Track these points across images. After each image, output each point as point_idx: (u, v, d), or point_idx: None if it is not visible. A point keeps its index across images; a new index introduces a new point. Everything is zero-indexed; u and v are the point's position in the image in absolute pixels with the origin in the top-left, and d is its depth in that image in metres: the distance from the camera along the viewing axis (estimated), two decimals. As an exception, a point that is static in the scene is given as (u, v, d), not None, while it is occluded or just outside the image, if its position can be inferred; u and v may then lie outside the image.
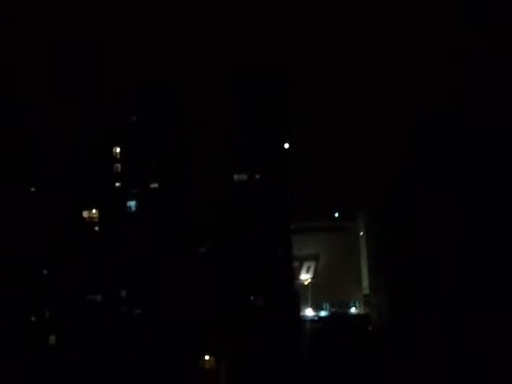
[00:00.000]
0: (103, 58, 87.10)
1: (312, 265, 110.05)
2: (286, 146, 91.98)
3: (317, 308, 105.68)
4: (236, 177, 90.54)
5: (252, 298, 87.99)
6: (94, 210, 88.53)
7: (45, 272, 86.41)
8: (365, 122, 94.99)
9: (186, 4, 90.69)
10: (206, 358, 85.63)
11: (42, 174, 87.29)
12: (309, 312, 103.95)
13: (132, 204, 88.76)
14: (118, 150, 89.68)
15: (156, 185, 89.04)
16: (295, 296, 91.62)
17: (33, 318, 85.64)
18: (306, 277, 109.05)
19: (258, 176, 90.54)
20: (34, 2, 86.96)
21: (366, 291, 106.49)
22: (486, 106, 77.58)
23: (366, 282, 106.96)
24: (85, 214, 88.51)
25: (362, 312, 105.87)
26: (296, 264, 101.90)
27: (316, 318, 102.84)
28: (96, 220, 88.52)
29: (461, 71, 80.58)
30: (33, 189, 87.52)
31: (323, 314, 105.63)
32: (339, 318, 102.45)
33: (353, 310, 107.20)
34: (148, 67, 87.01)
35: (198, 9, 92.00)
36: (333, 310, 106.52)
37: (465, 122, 79.47)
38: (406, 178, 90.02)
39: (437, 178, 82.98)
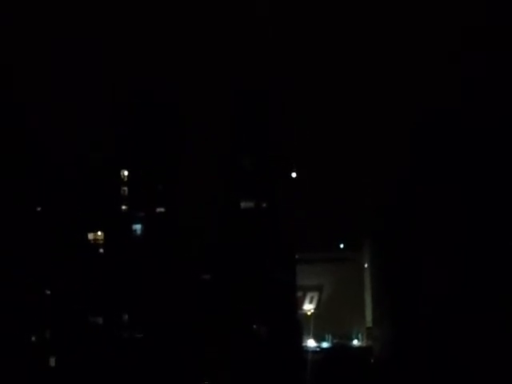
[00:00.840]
0: (103, 58, 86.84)
1: (315, 295, 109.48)
2: (294, 174, 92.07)
3: (319, 339, 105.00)
4: (243, 204, 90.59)
5: (254, 326, 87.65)
6: (99, 232, 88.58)
7: (48, 292, 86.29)
8: (370, 147, 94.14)
9: (186, 6, 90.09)
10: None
11: (47, 189, 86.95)
12: (311, 343, 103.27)
13: (138, 227, 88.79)
14: (125, 173, 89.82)
15: (162, 209, 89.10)
16: (298, 326, 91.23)
17: (33, 338, 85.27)
18: (309, 307, 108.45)
19: (264, 204, 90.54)
20: (33, 2, 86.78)
21: (369, 323, 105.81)
22: (486, 106, 77.35)
23: (369, 314, 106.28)
24: (90, 235, 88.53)
25: (365, 344, 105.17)
26: (300, 294, 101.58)
27: (318, 349, 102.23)
28: (101, 242, 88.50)
29: (461, 71, 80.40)
30: (39, 208, 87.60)
31: (325, 345, 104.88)
32: (341, 350, 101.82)
33: (355, 342, 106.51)
34: (149, 72, 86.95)
35: (198, 12, 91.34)
36: (335, 341, 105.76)
37: (465, 123, 79.27)
38: (408, 203, 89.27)
39: (440, 201, 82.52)
